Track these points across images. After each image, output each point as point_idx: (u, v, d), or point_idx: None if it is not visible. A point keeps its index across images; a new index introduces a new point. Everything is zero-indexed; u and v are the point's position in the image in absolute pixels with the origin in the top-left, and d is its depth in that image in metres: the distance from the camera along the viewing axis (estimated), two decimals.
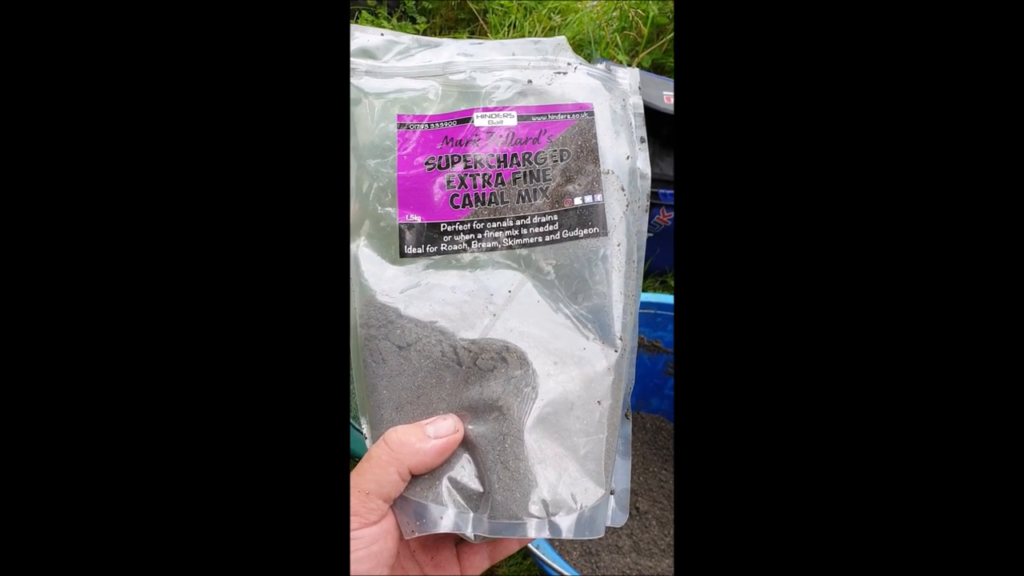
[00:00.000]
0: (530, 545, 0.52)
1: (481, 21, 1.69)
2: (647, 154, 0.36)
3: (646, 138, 0.36)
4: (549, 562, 0.57)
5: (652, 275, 1.16)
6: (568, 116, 0.35)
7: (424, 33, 1.69)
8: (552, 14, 1.69)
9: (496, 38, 1.64)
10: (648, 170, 0.36)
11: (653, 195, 1.05)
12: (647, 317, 0.85)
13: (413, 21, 1.69)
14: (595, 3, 1.62)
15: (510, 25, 1.66)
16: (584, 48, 1.55)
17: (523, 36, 1.64)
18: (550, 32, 1.64)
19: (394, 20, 1.65)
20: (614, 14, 1.56)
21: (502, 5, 1.72)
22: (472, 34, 1.70)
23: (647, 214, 0.36)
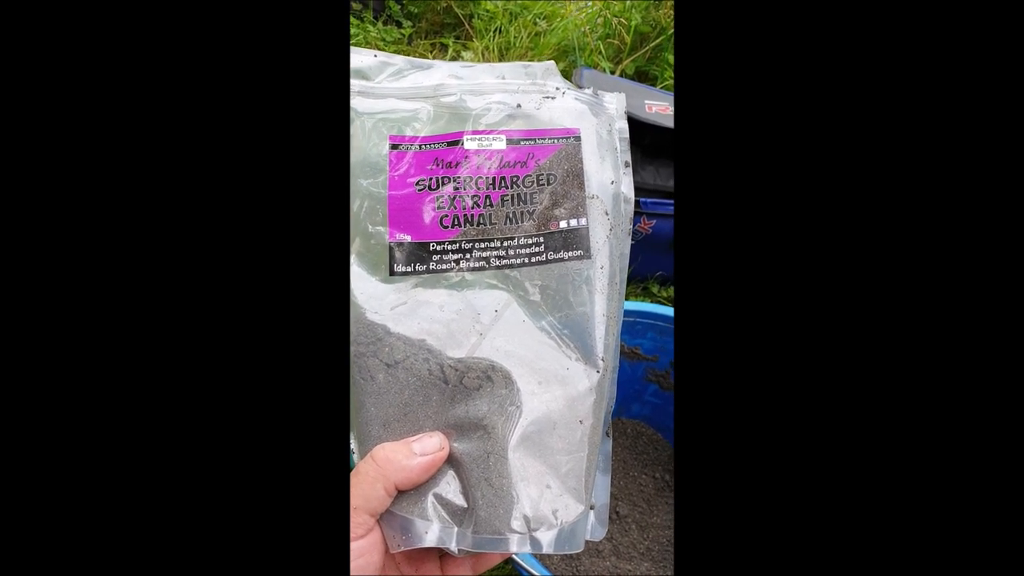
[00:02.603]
0: None
1: (467, 26, 1.70)
2: (631, 178, 0.37)
3: (631, 162, 0.38)
4: (528, 568, 0.58)
5: (634, 282, 1.18)
6: (555, 141, 0.36)
7: (410, 37, 1.69)
8: (537, 19, 1.70)
9: (482, 43, 1.64)
10: (631, 194, 0.37)
11: (635, 203, 1.07)
12: (627, 325, 0.86)
13: (399, 25, 1.69)
14: (580, 9, 1.64)
15: (495, 30, 1.67)
16: (568, 55, 1.56)
17: (508, 41, 1.64)
18: (535, 38, 1.65)
19: (379, 24, 1.65)
20: (598, 21, 1.57)
21: (488, 10, 1.73)
22: (458, 39, 1.70)
23: (630, 237, 0.37)
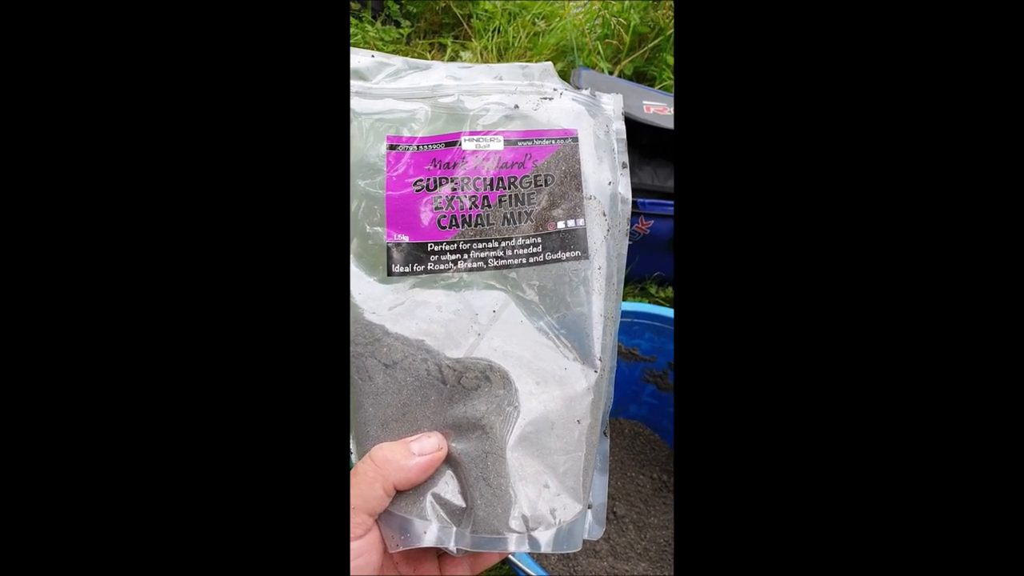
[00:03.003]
0: None
1: (465, 26, 1.70)
2: (628, 179, 0.37)
3: (628, 163, 0.38)
4: (525, 568, 0.59)
5: (631, 283, 1.18)
6: (553, 142, 0.36)
7: (408, 37, 1.69)
8: (536, 19, 1.70)
9: (480, 43, 1.64)
10: (628, 195, 0.37)
11: (632, 203, 1.07)
12: (625, 325, 0.86)
13: (397, 25, 1.69)
14: (579, 10, 1.64)
15: (494, 30, 1.67)
16: (567, 55, 1.56)
17: (507, 41, 1.64)
18: (534, 38, 1.65)
19: (378, 24, 1.65)
20: (596, 22, 1.58)
21: (486, 11, 1.73)
22: (456, 39, 1.70)
23: (627, 238, 0.37)
